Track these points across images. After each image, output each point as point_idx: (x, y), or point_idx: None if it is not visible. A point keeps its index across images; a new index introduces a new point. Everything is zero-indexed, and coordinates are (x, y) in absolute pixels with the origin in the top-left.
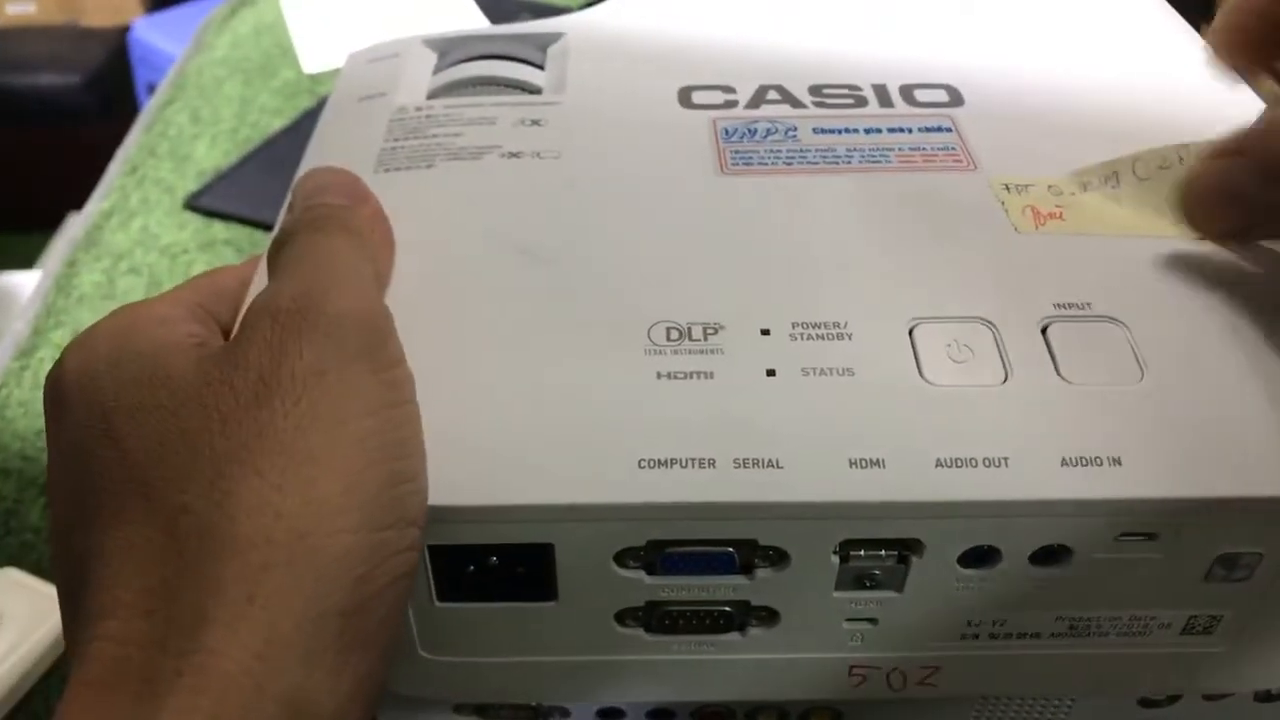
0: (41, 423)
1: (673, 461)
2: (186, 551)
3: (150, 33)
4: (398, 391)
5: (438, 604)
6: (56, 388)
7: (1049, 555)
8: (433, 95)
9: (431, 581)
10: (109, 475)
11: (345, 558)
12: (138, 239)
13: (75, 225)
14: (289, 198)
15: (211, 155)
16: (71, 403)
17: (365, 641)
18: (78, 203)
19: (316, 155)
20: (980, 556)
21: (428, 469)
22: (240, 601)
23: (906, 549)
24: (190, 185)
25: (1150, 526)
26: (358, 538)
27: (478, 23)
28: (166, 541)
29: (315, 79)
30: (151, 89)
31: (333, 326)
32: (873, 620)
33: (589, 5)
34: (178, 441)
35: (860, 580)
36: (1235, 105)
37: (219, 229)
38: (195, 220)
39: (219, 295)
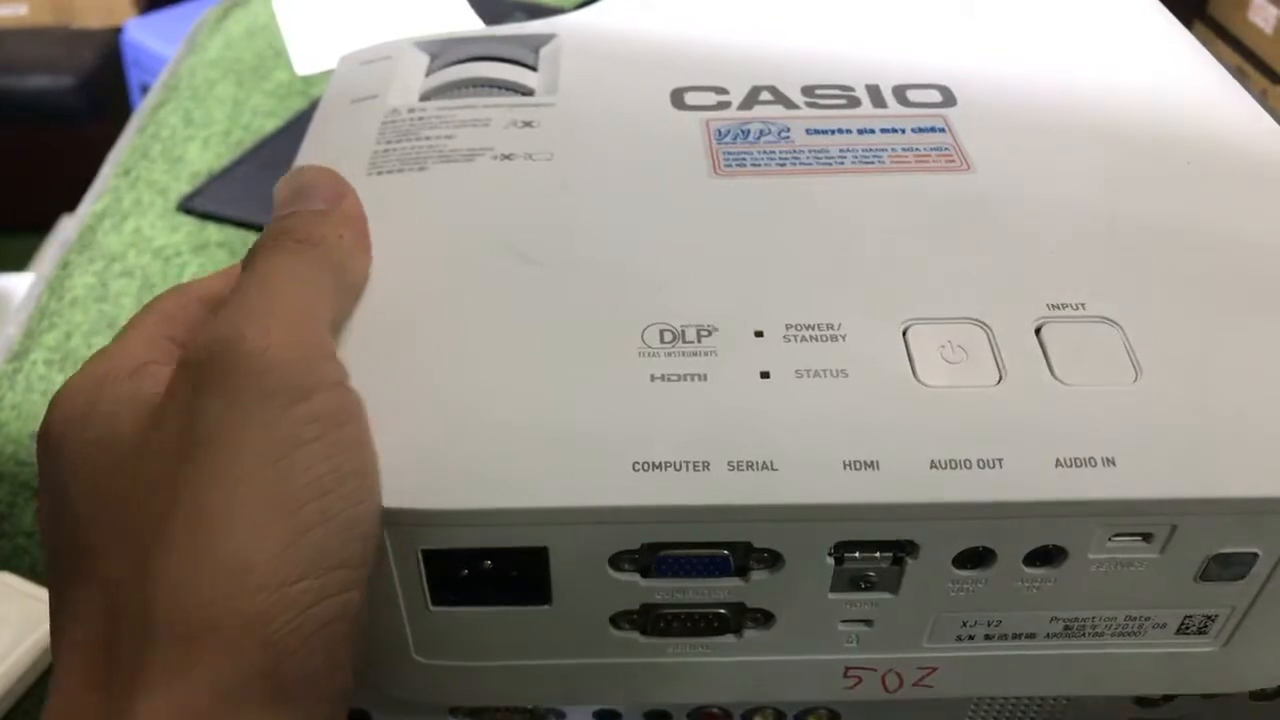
0: (35, 425)
1: (667, 464)
2: (121, 621)
3: (143, 34)
4: (319, 424)
5: (432, 608)
6: (40, 441)
7: (1044, 556)
8: (425, 97)
9: (425, 586)
10: (65, 535)
11: (258, 619)
12: (131, 241)
13: (68, 227)
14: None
15: (204, 157)
16: (44, 459)
17: (302, 694)
18: (71, 205)
19: (308, 158)
20: (975, 558)
21: (419, 475)
22: (165, 672)
23: (901, 551)
24: (183, 187)
25: (1144, 527)
26: (269, 596)
27: (471, 24)
28: (108, 606)
29: (308, 80)
30: (145, 90)
31: (244, 369)
32: (868, 622)
33: (582, 6)
34: (115, 510)
35: (855, 582)
36: (1226, 105)
37: (212, 231)
38: (188, 223)
39: (188, 323)
